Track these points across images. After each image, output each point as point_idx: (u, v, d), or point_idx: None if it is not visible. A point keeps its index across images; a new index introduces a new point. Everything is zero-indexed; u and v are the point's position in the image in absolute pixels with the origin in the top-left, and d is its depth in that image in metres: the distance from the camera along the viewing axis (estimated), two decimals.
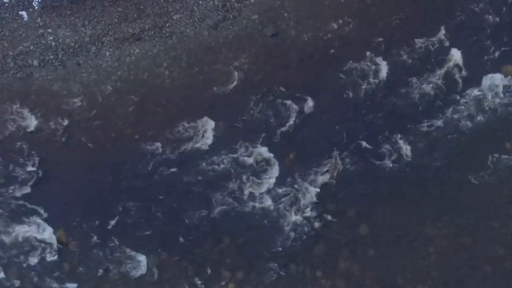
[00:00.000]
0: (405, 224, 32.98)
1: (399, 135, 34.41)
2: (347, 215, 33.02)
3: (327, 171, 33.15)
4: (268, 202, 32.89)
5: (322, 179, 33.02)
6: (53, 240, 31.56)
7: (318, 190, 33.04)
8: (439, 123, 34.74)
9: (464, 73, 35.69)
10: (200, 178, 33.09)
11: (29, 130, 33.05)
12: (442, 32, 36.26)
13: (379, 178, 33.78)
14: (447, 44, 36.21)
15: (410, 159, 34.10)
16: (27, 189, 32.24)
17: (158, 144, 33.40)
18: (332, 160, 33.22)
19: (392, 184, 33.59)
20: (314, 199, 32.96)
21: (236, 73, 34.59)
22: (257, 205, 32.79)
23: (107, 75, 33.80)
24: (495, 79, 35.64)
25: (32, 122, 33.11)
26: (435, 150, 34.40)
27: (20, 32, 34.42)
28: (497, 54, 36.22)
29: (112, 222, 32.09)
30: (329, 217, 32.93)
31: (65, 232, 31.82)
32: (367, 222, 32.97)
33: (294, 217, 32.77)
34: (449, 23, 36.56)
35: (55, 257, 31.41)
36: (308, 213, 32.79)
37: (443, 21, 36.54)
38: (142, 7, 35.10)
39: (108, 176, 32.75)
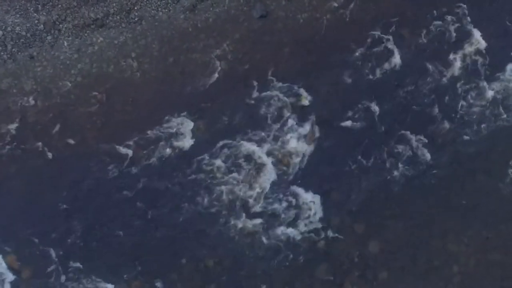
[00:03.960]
0: (423, 239, 31.85)
1: (413, 134, 33.40)
2: (354, 230, 31.97)
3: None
4: (259, 214, 31.92)
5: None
6: (2, 268, 30.42)
7: (320, 199, 32.04)
8: (461, 119, 33.70)
9: (487, 60, 34.63)
10: (176, 189, 32.05)
11: None
12: (462, 11, 35.30)
13: (391, 185, 32.64)
14: (468, 25, 35.20)
15: (427, 162, 32.98)
16: None
17: (127, 150, 32.34)
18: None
19: (406, 192, 32.51)
20: (316, 211, 32.07)
21: (218, 63, 33.75)
22: (246, 218, 31.87)
23: (66, 68, 33.07)
24: None
25: None
26: (457, 151, 33.28)
27: None
28: None
29: (74, 244, 30.85)
30: (333, 233, 31.91)
31: (16, 257, 30.58)
32: (378, 239, 31.85)
33: (292, 233, 31.69)
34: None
35: None
36: (309, 227, 31.89)
37: None
38: None
39: (68, 189, 31.58)
